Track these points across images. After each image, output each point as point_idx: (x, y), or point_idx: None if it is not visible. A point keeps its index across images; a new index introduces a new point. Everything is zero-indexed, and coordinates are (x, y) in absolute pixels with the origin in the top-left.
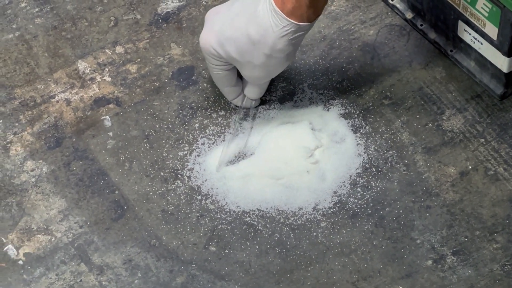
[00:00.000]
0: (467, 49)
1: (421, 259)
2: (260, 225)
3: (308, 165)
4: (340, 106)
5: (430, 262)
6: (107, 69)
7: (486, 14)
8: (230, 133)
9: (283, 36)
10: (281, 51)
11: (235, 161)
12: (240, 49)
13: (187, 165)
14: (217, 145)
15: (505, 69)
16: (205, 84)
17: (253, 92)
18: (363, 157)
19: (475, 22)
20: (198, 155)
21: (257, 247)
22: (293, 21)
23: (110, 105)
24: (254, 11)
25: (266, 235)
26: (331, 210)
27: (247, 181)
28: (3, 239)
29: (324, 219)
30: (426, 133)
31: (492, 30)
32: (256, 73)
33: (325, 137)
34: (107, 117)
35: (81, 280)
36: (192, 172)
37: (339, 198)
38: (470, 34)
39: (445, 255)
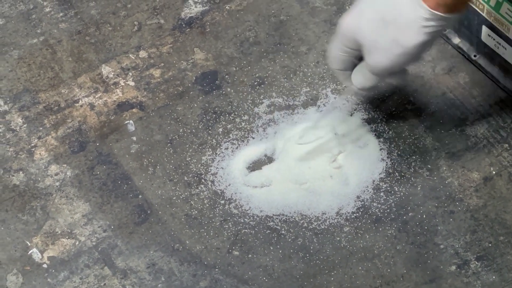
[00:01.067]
0: (491, 54)
1: (444, 264)
2: (283, 229)
3: (331, 170)
4: (363, 111)
5: (453, 267)
6: (130, 74)
7: (511, 19)
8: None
9: (422, 28)
10: (417, 46)
11: (260, 162)
12: (375, 34)
13: (210, 169)
14: (240, 149)
15: None
16: (229, 89)
17: (363, 80)
18: (386, 162)
19: (499, 27)
20: (222, 160)
21: (280, 251)
22: (438, 12)
23: (134, 110)
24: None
25: (290, 240)
26: (354, 215)
27: (271, 185)
28: (27, 242)
29: (347, 223)
30: (450, 138)
31: None
32: (383, 62)
33: (348, 142)
34: (131, 121)
35: (105, 284)
36: (215, 177)
37: (362, 203)
38: (494, 39)
39: (469, 261)
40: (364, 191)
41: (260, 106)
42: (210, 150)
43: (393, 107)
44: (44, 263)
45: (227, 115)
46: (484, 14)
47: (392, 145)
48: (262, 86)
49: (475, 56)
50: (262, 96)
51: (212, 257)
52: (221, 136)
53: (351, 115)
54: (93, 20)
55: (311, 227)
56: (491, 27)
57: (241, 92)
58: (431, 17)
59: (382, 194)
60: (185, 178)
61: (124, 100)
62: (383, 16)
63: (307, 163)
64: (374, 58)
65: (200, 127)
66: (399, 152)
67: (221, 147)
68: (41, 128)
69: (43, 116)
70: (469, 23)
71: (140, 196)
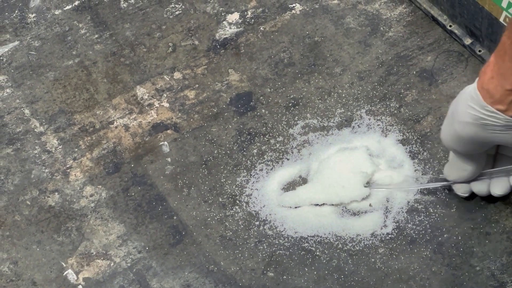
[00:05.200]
0: None
1: (481, 286)
2: (318, 250)
3: (366, 191)
4: (397, 132)
5: None
6: (165, 95)
7: None
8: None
9: (468, 106)
10: (463, 124)
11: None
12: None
13: (245, 191)
14: (275, 171)
15: None
16: (263, 110)
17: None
18: (421, 183)
19: None
20: (256, 181)
21: (315, 272)
22: (481, 97)
23: (168, 131)
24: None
25: (324, 261)
26: (389, 236)
27: (305, 207)
28: (63, 263)
29: (382, 245)
30: None
31: None
32: (443, 134)
33: (383, 163)
34: (165, 142)
35: None
36: (250, 198)
37: (397, 224)
38: None
39: (505, 283)
40: (399, 212)
41: (294, 128)
42: (244, 171)
43: (427, 128)
44: (79, 284)
45: (261, 137)
46: None
47: (427, 166)
48: (297, 107)
49: None
50: (296, 117)
51: (247, 278)
52: (255, 158)
53: (386, 136)
54: (128, 41)
55: (346, 248)
56: None
57: (275, 114)
58: (474, 96)
59: (417, 215)
60: (220, 199)
61: (158, 122)
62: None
63: (341, 184)
64: (442, 127)
65: (234, 148)
66: (434, 173)
67: (255, 168)
68: (76, 149)
69: (78, 137)
70: None
71: (175, 217)
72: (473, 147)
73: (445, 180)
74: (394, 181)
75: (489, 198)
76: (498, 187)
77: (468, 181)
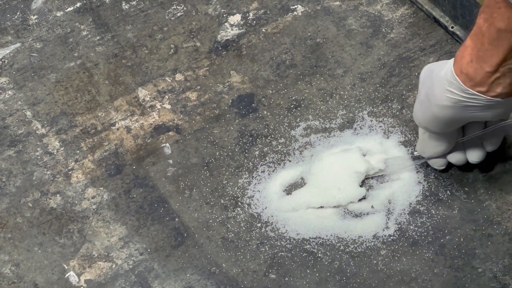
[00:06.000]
0: None
1: None
2: (320, 252)
3: (364, 192)
4: (400, 133)
5: None
6: (167, 97)
7: None
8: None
9: (446, 90)
10: (440, 108)
11: (295, 188)
12: (420, 87)
13: (247, 192)
14: (277, 173)
15: None
16: (265, 112)
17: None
18: (423, 185)
19: None
20: (258, 183)
21: (317, 274)
22: (459, 80)
23: (170, 133)
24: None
25: (326, 263)
26: (391, 237)
27: (307, 208)
28: (65, 265)
29: (384, 246)
30: (487, 160)
31: None
32: (416, 113)
33: (385, 165)
34: (167, 144)
35: None
36: (252, 200)
37: (399, 225)
38: None
39: (508, 284)
40: (401, 214)
41: (296, 129)
42: (246, 173)
43: None
44: (81, 286)
45: (263, 138)
46: None
47: (429, 168)
48: (299, 109)
49: None
50: (298, 119)
51: (248, 280)
52: (257, 159)
53: (388, 137)
54: (130, 43)
55: (347, 250)
56: None
57: (277, 115)
58: (453, 81)
59: (419, 217)
60: (222, 201)
61: (160, 123)
62: (431, 71)
63: (337, 186)
64: (414, 108)
65: (236, 150)
66: (436, 175)
67: (257, 170)
68: (78, 151)
69: (80, 139)
70: None
71: (176, 219)
72: (450, 126)
73: (421, 157)
74: (381, 167)
75: (466, 166)
76: (474, 154)
77: (444, 155)
